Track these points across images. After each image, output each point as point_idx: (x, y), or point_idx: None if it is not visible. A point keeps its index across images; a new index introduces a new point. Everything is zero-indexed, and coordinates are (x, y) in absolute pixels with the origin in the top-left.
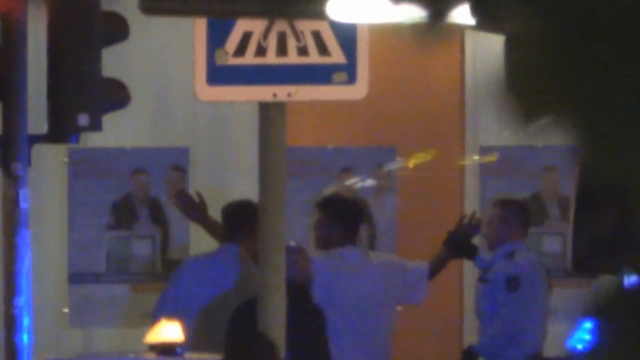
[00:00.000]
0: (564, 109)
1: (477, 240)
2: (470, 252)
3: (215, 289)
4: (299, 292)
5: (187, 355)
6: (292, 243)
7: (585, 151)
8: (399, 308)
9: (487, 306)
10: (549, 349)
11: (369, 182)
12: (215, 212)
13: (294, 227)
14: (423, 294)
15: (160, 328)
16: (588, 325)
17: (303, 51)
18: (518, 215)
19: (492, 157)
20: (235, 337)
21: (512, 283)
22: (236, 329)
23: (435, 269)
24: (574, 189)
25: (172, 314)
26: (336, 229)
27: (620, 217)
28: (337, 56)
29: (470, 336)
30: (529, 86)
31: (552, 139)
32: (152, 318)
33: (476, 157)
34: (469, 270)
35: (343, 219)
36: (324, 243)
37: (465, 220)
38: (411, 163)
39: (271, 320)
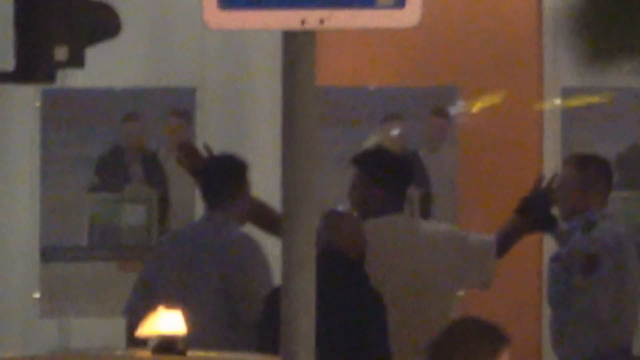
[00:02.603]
0: None
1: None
2: (548, 224)
3: (195, 271)
4: (350, 271)
5: (191, 352)
6: (340, 207)
7: None
8: (460, 294)
9: (561, 291)
10: None
11: (422, 131)
12: None
13: (327, 188)
14: (490, 275)
15: (156, 317)
16: None
17: None
18: (599, 176)
19: (577, 101)
20: (270, 330)
21: (589, 263)
22: (270, 320)
23: (506, 243)
24: None
25: (145, 308)
26: (377, 192)
27: None
28: None
29: None
30: (621, 15)
31: None
32: (125, 313)
33: (557, 101)
34: (551, 245)
35: (386, 179)
36: (362, 210)
37: (544, 184)
38: (476, 107)
39: (296, 307)
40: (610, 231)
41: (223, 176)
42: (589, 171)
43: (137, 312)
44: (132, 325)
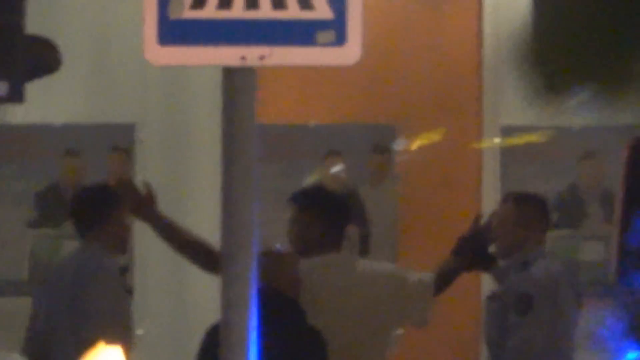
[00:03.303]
0: (608, 81)
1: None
2: (485, 263)
3: (57, 301)
4: (287, 309)
5: None
6: (276, 245)
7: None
8: (399, 331)
9: (496, 331)
10: None
11: (363, 168)
12: (167, 207)
13: (268, 225)
14: (428, 313)
15: (97, 352)
16: (632, 356)
17: (279, 3)
18: (536, 214)
19: (516, 140)
20: None
21: (524, 302)
22: (208, 356)
23: (443, 282)
24: (622, 180)
25: (34, 343)
26: (315, 230)
27: None
28: (322, 10)
29: None
30: (562, 51)
31: (593, 117)
32: (22, 351)
33: (496, 140)
34: (489, 284)
35: (324, 217)
36: (301, 248)
37: (482, 223)
38: (415, 145)
39: (235, 344)
40: (546, 270)
41: (87, 207)
42: (526, 209)
43: (27, 348)
44: None
